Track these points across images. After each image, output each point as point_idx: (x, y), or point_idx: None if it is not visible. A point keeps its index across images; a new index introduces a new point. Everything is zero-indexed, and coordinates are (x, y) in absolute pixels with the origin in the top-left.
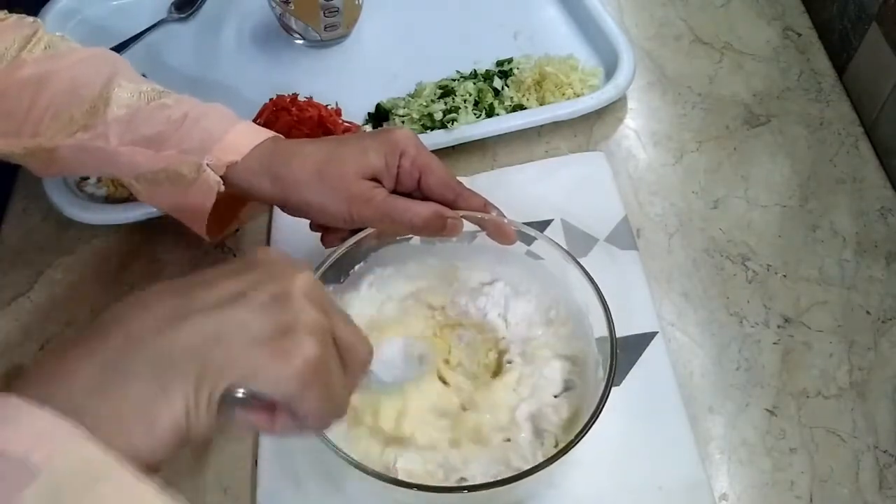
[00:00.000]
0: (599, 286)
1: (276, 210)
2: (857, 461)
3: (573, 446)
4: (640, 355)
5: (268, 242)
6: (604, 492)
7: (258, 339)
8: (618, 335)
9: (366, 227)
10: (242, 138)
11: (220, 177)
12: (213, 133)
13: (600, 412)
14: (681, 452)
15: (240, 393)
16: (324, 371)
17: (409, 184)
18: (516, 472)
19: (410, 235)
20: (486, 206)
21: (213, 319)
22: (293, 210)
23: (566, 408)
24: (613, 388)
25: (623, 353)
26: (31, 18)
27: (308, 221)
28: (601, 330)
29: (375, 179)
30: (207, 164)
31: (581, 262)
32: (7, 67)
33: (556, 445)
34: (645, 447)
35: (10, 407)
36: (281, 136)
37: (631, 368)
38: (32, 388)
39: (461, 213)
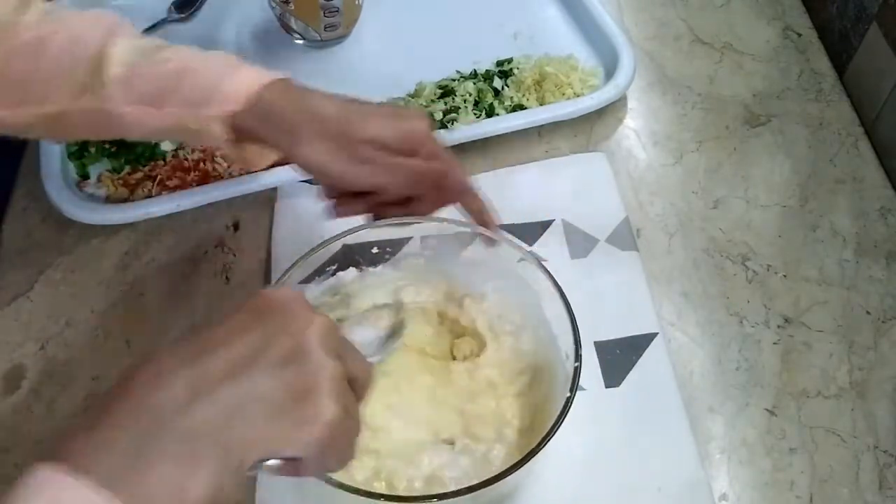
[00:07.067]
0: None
1: (276, 212)
2: (857, 461)
3: (541, 447)
4: (641, 356)
5: (269, 244)
6: (603, 492)
7: (278, 409)
8: (618, 336)
9: (365, 197)
10: (245, 85)
11: (231, 126)
12: (214, 82)
13: (563, 420)
14: (681, 452)
15: (270, 462)
16: (344, 426)
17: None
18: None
19: (406, 223)
20: (482, 211)
21: (229, 391)
22: (297, 164)
23: (528, 413)
24: (614, 389)
25: (623, 353)
26: None
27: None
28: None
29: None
30: (210, 116)
31: (540, 258)
32: (5, 34)
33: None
34: (645, 447)
35: (46, 478)
36: (290, 79)
37: (631, 369)
38: (71, 457)
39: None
